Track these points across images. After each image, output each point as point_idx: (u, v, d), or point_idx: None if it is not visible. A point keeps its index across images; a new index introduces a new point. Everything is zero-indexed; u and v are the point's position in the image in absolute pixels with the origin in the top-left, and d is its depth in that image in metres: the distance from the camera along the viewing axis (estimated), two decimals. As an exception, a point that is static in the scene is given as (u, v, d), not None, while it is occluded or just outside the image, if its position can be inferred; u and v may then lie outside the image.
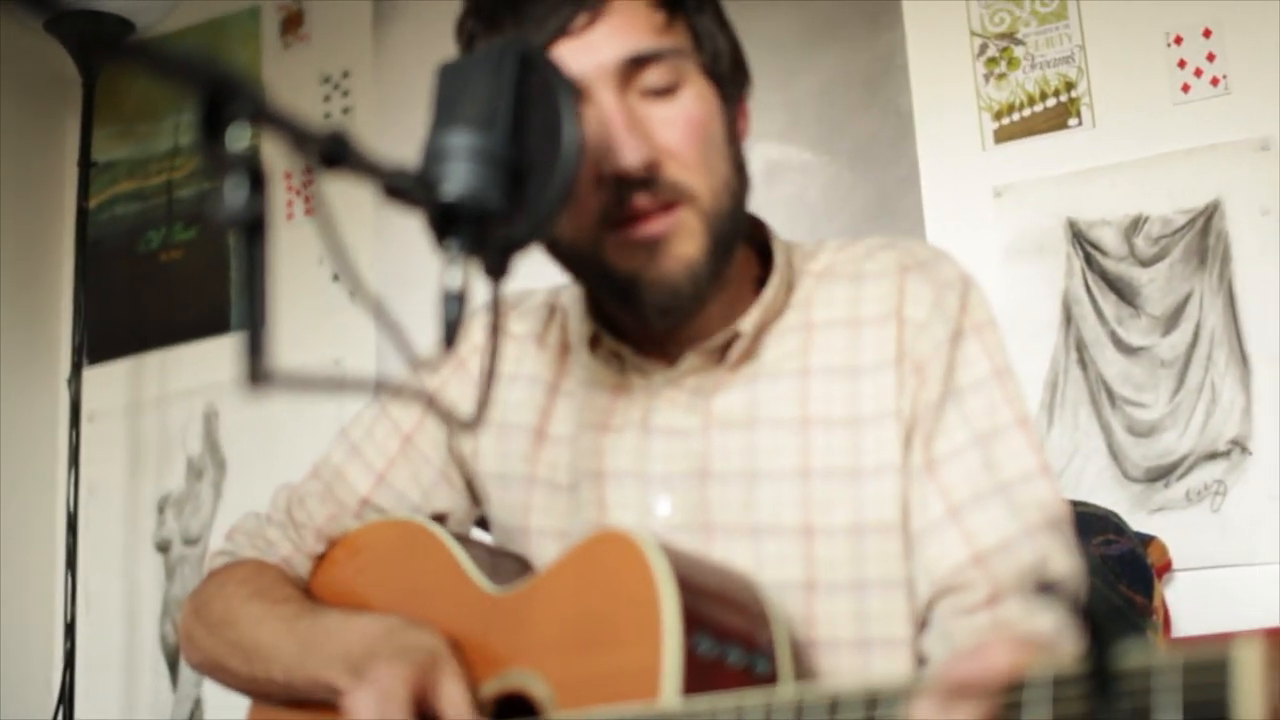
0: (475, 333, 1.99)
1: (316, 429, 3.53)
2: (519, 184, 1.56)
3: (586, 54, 1.64)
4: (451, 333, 1.51)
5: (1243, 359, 2.70)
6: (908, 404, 1.71)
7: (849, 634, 1.69)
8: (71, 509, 3.65)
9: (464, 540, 1.89)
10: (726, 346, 1.75)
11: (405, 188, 1.44)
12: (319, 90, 3.89)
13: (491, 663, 1.72)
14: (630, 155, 1.62)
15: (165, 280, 4.06)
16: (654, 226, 1.65)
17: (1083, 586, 1.03)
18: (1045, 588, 1.00)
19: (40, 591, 4.01)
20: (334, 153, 1.33)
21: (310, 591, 1.97)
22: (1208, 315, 2.75)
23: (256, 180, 1.20)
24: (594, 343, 1.84)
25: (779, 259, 1.80)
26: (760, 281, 1.80)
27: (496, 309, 1.60)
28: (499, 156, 1.53)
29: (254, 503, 3.55)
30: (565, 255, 1.75)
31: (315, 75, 3.92)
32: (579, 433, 1.85)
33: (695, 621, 1.52)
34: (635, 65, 1.65)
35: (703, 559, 1.67)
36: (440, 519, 1.97)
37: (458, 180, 1.51)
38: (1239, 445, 2.68)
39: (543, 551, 1.87)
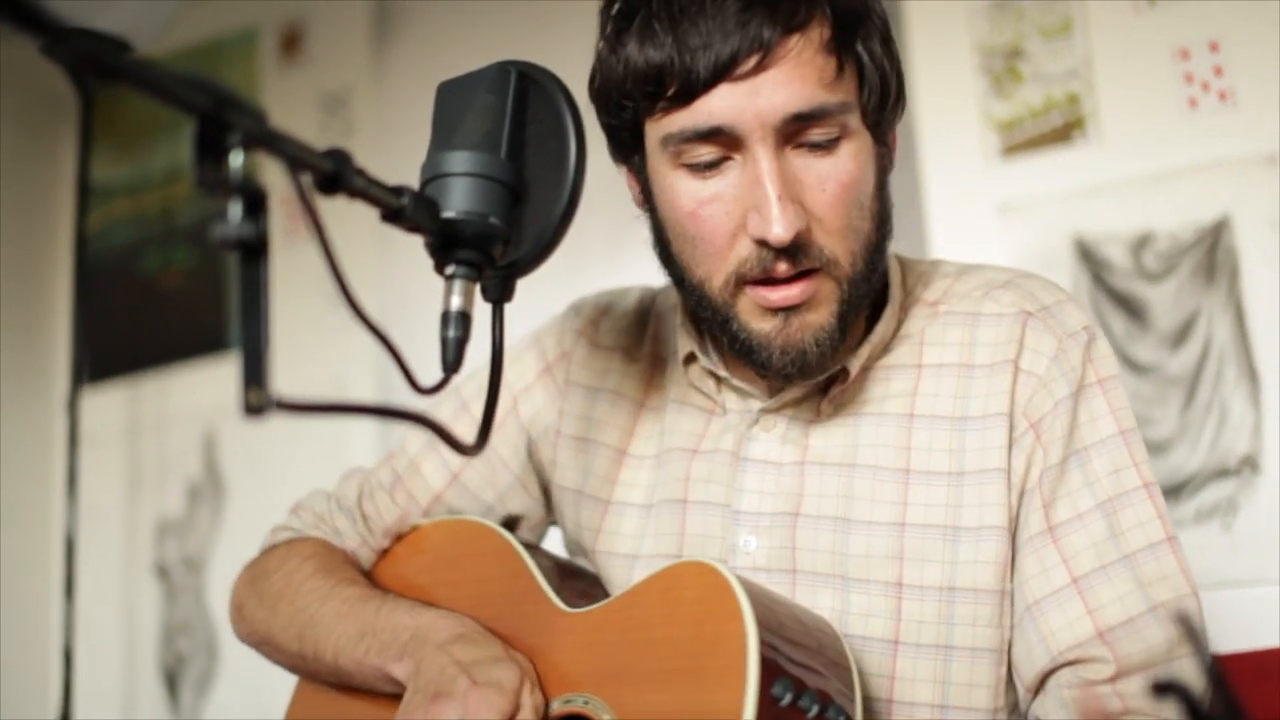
0: (564, 338, 1.97)
1: (318, 451, 3.51)
2: (520, 205, 1.53)
3: (749, 102, 1.55)
4: (454, 355, 1.49)
5: (1252, 375, 2.67)
6: (1021, 464, 1.66)
7: (928, 697, 1.66)
8: (70, 533, 3.62)
9: (535, 550, 1.87)
10: (830, 380, 1.72)
11: (404, 211, 1.41)
12: (318, 111, 3.87)
13: (556, 683, 1.69)
14: (780, 229, 1.55)
15: (163, 302, 4.04)
16: (791, 292, 1.61)
17: (1202, 688, 1.00)
18: (1164, 689, 0.97)
19: (37, 618, 3.98)
20: (333, 176, 1.31)
21: (373, 581, 1.94)
22: (1217, 331, 2.72)
23: (256, 203, 1.18)
24: (689, 360, 1.81)
25: (894, 289, 1.76)
26: (873, 306, 1.75)
27: (498, 338, 1.57)
28: (500, 178, 1.51)
29: (254, 527, 3.52)
30: (690, 293, 1.70)
31: (314, 96, 3.90)
32: (664, 455, 1.82)
33: (776, 667, 1.49)
34: (798, 121, 1.57)
35: (786, 602, 1.63)
36: (513, 523, 1.97)
37: (458, 201, 1.49)
38: (1249, 463, 2.65)
39: (610, 574, 1.85)
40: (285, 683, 1.97)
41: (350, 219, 1.97)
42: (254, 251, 1.19)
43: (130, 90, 1.11)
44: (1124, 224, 2.83)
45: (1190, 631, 1.00)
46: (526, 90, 1.56)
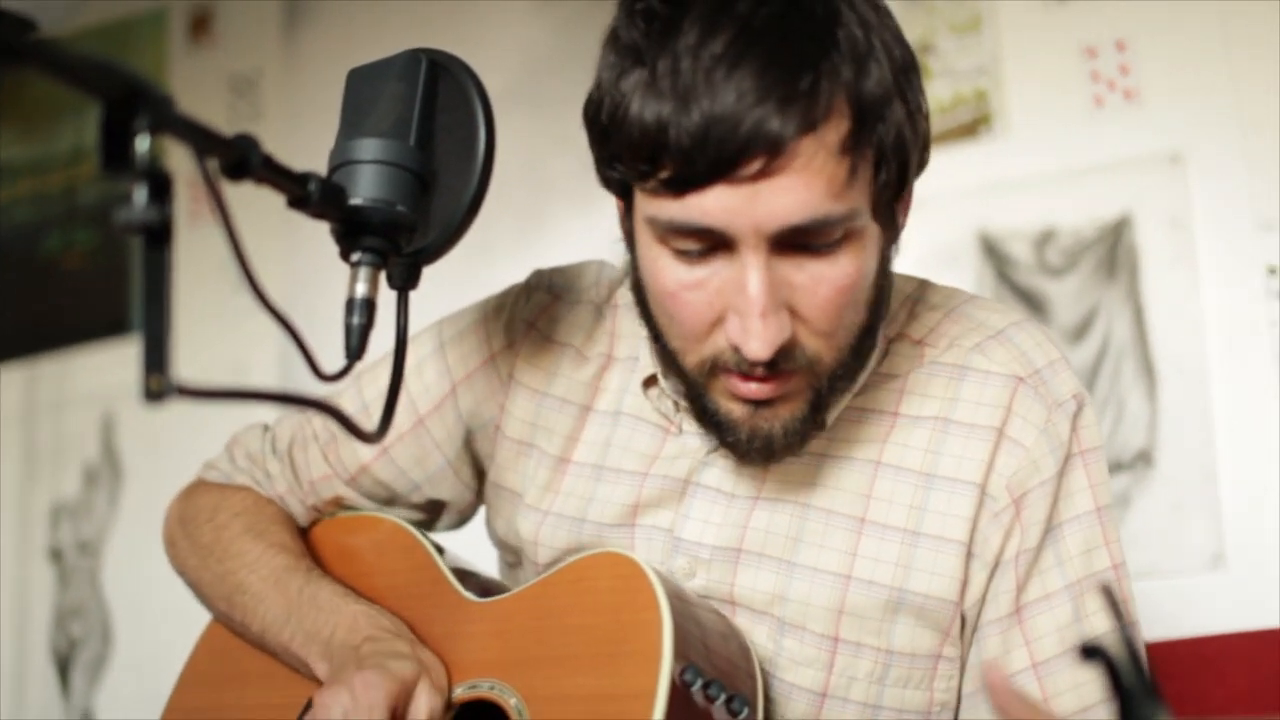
0: (513, 327, 1.88)
1: (217, 436, 3.48)
2: (428, 193, 1.53)
3: (746, 207, 1.39)
4: (358, 341, 1.48)
5: (1149, 371, 2.72)
6: (997, 538, 1.60)
7: None
8: (-35, 516, 3.60)
9: (443, 551, 1.87)
10: None
11: (310, 197, 1.40)
12: (227, 93, 3.83)
13: (463, 670, 1.70)
14: (758, 347, 1.44)
15: (64, 283, 3.99)
16: (764, 388, 1.51)
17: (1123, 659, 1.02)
18: (1090, 653, 1.00)
19: (-71, 599, 3.94)
20: (240, 161, 1.30)
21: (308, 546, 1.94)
22: (1116, 327, 2.76)
23: (161, 188, 1.16)
24: (649, 382, 1.74)
25: (879, 329, 1.63)
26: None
27: (403, 325, 1.56)
28: (408, 165, 1.50)
29: (152, 511, 3.47)
30: (664, 350, 1.60)
31: (223, 78, 3.85)
32: (609, 470, 1.76)
33: (688, 655, 1.51)
34: (797, 232, 1.42)
35: (697, 599, 1.64)
36: (437, 508, 1.95)
37: (366, 188, 1.48)
38: (1144, 457, 2.70)
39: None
40: (178, 667, 1.98)
41: (257, 204, 1.95)
42: (158, 237, 1.18)
43: (33, 71, 1.10)
44: (1028, 220, 2.86)
45: (1112, 604, 1.03)
46: (437, 78, 1.55)
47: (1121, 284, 2.77)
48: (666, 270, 1.49)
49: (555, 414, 1.80)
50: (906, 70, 1.45)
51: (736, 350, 1.45)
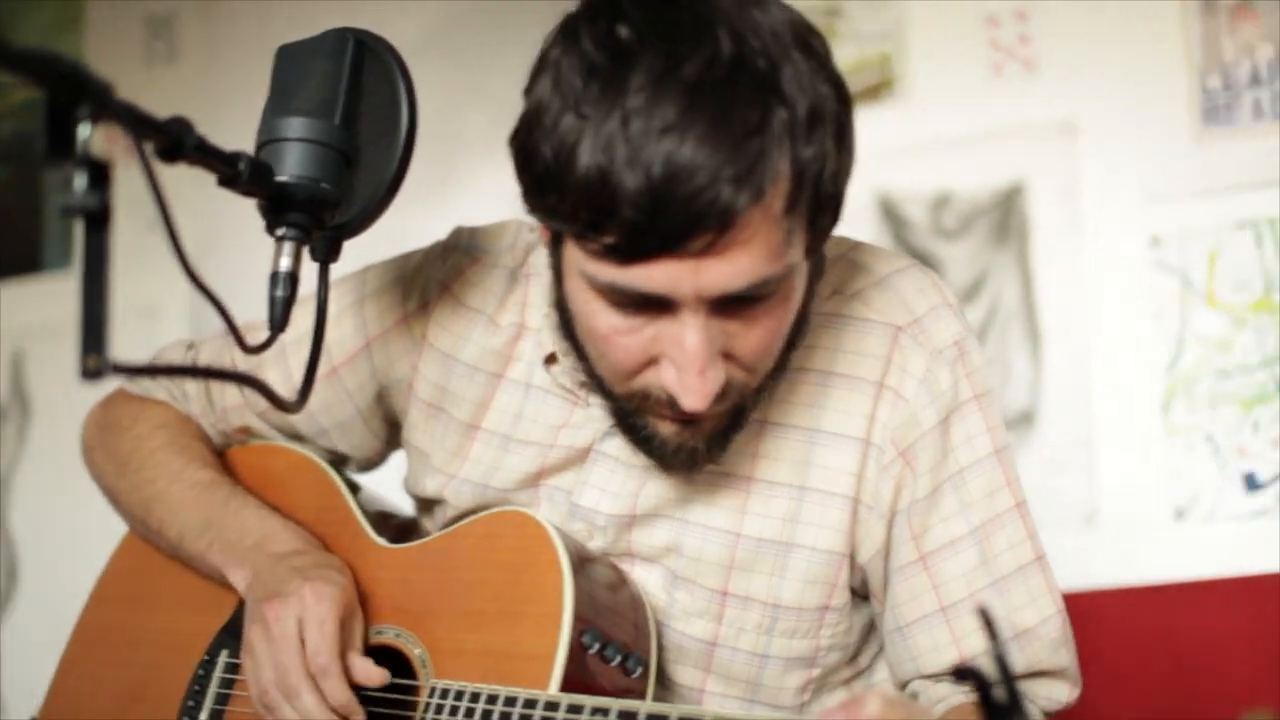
0: (428, 288, 1.88)
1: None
2: (351, 169, 1.58)
3: (689, 277, 1.40)
4: (281, 314, 1.55)
5: (1035, 335, 2.83)
6: (889, 490, 1.66)
7: (738, 691, 1.73)
8: None
9: (355, 489, 1.93)
10: None
11: (240, 177, 1.46)
12: (143, 34, 3.78)
13: (368, 615, 1.75)
14: (694, 401, 1.46)
15: (-27, 219, 3.96)
16: (692, 415, 1.52)
17: (997, 678, 1.10)
18: (963, 674, 1.08)
19: None
20: (175, 144, 1.36)
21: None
22: (1005, 291, 2.87)
23: (100, 175, 1.22)
24: (550, 360, 1.75)
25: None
26: None
27: (323, 297, 1.61)
28: (333, 144, 1.56)
29: (60, 450, 3.52)
30: (588, 370, 1.61)
31: (140, 20, 3.80)
32: (516, 441, 1.79)
33: (587, 619, 1.59)
34: (738, 294, 1.43)
35: (598, 559, 1.70)
36: (341, 460, 1.98)
37: (292, 166, 1.54)
38: (1026, 418, 2.81)
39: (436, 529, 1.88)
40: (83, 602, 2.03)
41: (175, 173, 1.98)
42: (97, 221, 1.24)
43: None
44: (925, 184, 2.96)
45: (989, 626, 1.12)
46: (363, 58, 1.59)
47: (1012, 249, 2.87)
48: (599, 315, 1.49)
49: (465, 380, 1.83)
50: (840, 115, 1.45)
51: (670, 394, 1.48)
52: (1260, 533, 2.62)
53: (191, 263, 1.36)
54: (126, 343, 3.45)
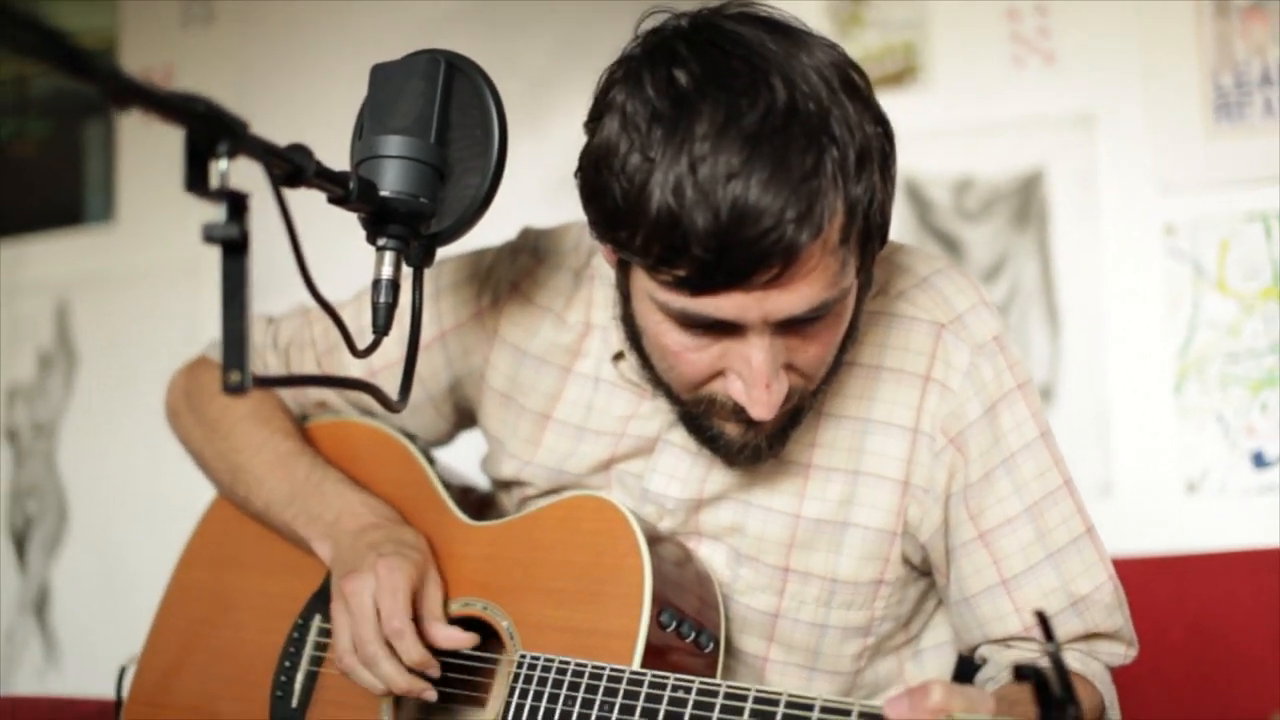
0: (500, 286, 2.01)
1: (171, 326, 3.63)
2: (444, 182, 1.70)
3: (756, 306, 1.53)
4: (384, 318, 1.67)
5: (1053, 315, 2.96)
6: (943, 475, 1.79)
7: (798, 659, 1.88)
8: (-79, 397, 3.70)
9: (435, 463, 2.03)
10: None
11: (351, 196, 1.58)
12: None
13: (454, 587, 1.87)
14: (762, 413, 1.60)
15: (17, 172, 4.04)
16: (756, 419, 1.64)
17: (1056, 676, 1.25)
18: (1022, 673, 1.23)
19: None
20: (297, 171, 1.48)
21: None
22: (1025, 273, 2.99)
23: (238, 206, 1.34)
24: (617, 357, 1.89)
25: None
26: None
27: (418, 300, 1.73)
28: (429, 161, 1.67)
29: (107, 395, 3.63)
30: (654, 377, 1.74)
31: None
32: (589, 431, 1.92)
33: (664, 599, 1.72)
34: (800, 317, 1.56)
35: (671, 541, 1.83)
36: (409, 437, 2.08)
37: (392, 182, 1.66)
38: (1046, 392, 2.94)
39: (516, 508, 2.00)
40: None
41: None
42: (237, 249, 1.35)
43: (131, 106, 1.25)
44: (948, 168, 3.07)
45: (1045, 627, 1.27)
46: (453, 78, 1.71)
47: (1032, 233, 3.00)
48: (668, 334, 1.62)
49: (534, 373, 1.96)
50: (884, 149, 1.58)
51: (737, 404, 1.62)
52: (1267, 508, 2.76)
53: (311, 276, 1.48)
54: (170, 298, 3.60)
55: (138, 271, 3.72)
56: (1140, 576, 2.58)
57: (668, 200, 1.49)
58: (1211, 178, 2.87)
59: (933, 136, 3.09)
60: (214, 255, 3.63)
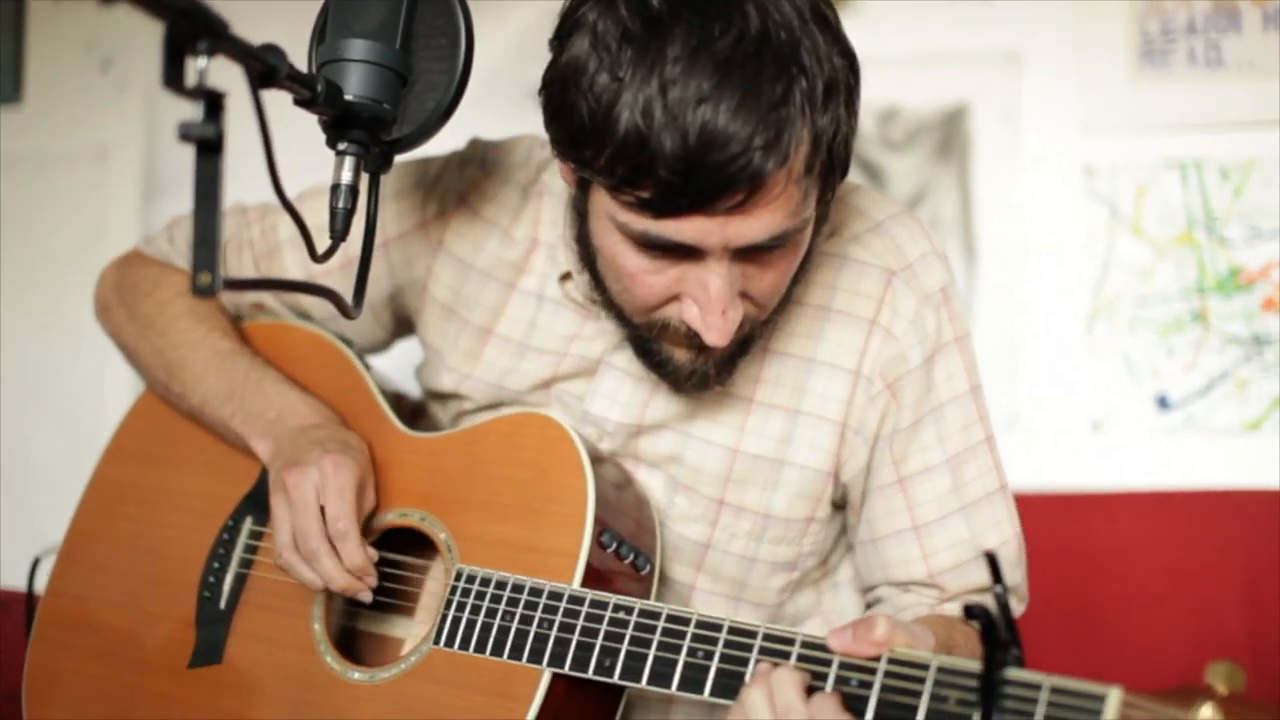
0: (446, 197, 2.00)
1: (79, 212, 3.55)
2: (406, 89, 1.69)
3: (718, 231, 1.54)
4: (343, 224, 1.66)
5: (970, 251, 3.00)
6: (875, 418, 1.81)
7: (725, 589, 1.89)
8: None
9: (370, 369, 2.02)
10: None
11: (318, 98, 1.57)
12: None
13: (392, 498, 1.87)
14: (716, 339, 1.61)
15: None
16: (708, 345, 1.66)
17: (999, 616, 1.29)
18: (971, 613, 1.26)
19: None
20: (270, 71, 1.46)
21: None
22: (945, 207, 3.02)
23: (215, 106, 1.32)
24: (564, 277, 1.88)
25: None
26: None
27: (373, 206, 1.72)
28: (393, 66, 1.66)
29: (11, 280, 3.53)
30: (606, 299, 1.74)
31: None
32: (530, 349, 1.92)
33: (605, 520, 1.73)
34: (759, 245, 1.58)
35: (612, 463, 1.84)
36: (345, 342, 2.07)
37: (355, 86, 1.64)
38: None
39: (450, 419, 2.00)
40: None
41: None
42: (211, 149, 1.33)
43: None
44: (875, 97, 3.06)
45: (994, 569, 1.31)
46: (421, -17, 1.69)
47: (954, 167, 3.02)
48: (626, 256, 1.63)
49: (479, 287, 1.96)
50: (850, 83, 1.59)
51: (691, 328, 1.64)
52: (1168, 450, 2.84)
53: (281, 180, 1.47)
54: (78, 183, 3.52)
55: (45, 155, 3.63)
56: (1042, 513, 2.65)
57: (636, 121, 1.49)
58: (1134, 122, 2.91)
59: (861, 64, 3.07)
60: (124, 141, 3.55)
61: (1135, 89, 2.91)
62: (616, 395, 1.87)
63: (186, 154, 1.52)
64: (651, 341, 1.72)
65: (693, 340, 1.67)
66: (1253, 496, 2.63)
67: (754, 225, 1.54)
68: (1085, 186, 2.92)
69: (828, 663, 1.46)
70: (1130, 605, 2.61)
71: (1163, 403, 2.86)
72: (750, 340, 1.73)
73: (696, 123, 1.46)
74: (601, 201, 1.62)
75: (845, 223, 1.87)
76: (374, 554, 1.79)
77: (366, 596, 1.80)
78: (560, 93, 1.59)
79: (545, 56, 1.64)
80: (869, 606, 1.94)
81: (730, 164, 1.47)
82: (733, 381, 1.81)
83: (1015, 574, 1.88)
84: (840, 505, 1.93)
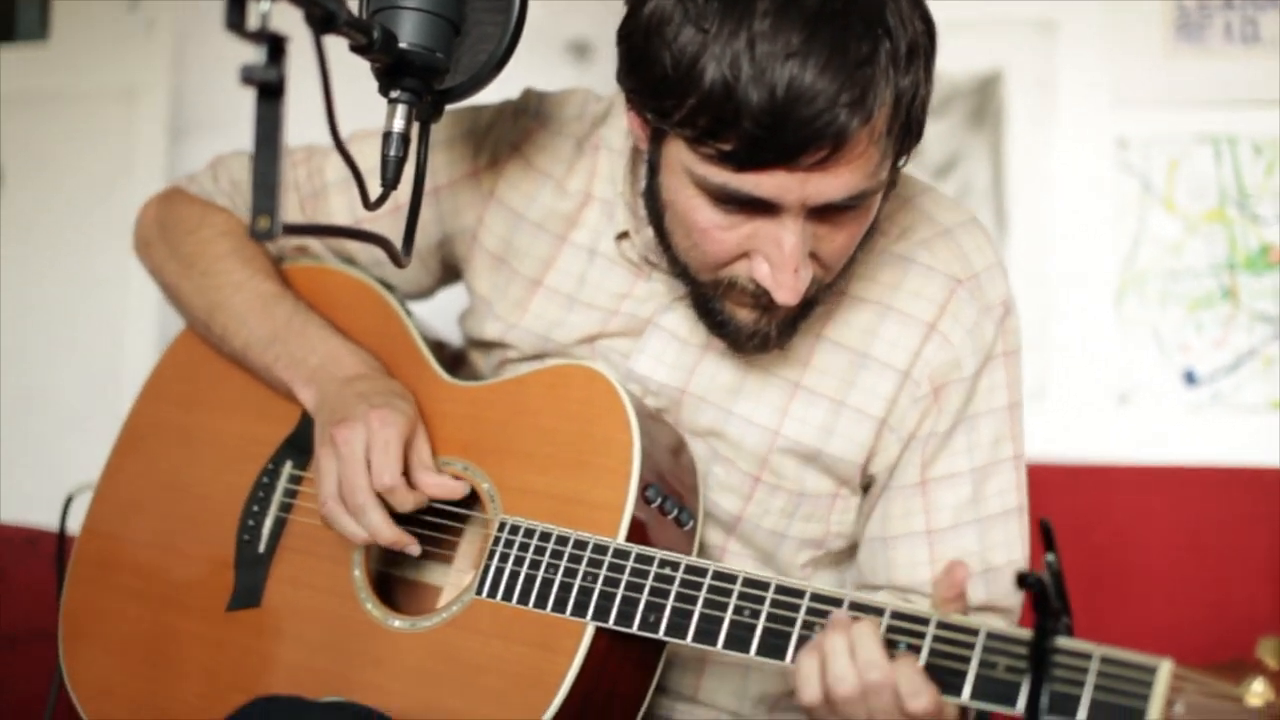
0: (500, 147, 1.99)
1: (103, 151, 3.55)
2: (459, 38, 1.68)
3: (798, 187, 1.55)
4: (394, 172, 1.65)
5: (1002, 217, 3.00)
6: (914, 418, 1.81)
7: (754, 555, 1.90)
8: None
9: (411, 315, 2.00)
10: None
11: (374, 45, 1.56)
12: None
13: (434, 444, 1.86)
14: (787, 297, 1.62)
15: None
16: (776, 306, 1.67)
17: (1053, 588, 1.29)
18: (1023, 580, 1.27)
19: None
20: (329, 16, 1.45)
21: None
22: (977, 174, 3.02)
23: (277, 49, 1.32)
24: (621, 236, 1.88)
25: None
26: None
27: (423, 155, 1.72)
28: (447, 15, 1.65)
29: (33, 217, 3.52)
30: (671, 257, 1.74)
31: None
32: (579, 303, 1.91)
33: (650, 474, 1.72)
34: (836, 204, 1.59)
35: (658, 418, 1.83)
36: (388, 288, 2.06)
37: (409, 34, 1.64)
38: (992, 298, 2.99)
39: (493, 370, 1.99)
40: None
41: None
42: (273, 92, 1.33)
43: None
44: (909, 62, 3.05)
45: (1046, 537, 1.32)
46: (477, -67, 1.68)
47: (986, 134, 3.02)
48: (699, 210, 1.63)
49: (530, 238, 1.95)
50: (928, 48, 1.60)
51: (759, 287, 1.64)
52: (1194, 426, 2.85)
53: (338, 124, 1.46)
54: (104, 122, 3.51)
55: (71, 92, 3.62)
56: (1067, 484, 2.65)
57: (723, 73, 1.50)
58: (1168, 96, 2.91)
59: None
60: (151, 80, 3.52)
61: (1170, 62, 2.91)
62: (662, 356, 1.87)
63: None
64: (715, 300, 1.73)
65: (759, 299, 1.68)
66: (1278, 474, 2.64)
67: (834, 183, 1.55)
68: (1118, 158, 2.92)
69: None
70: (1152, 579, 2.62)
71: (1190, 378, 2.86)
72: (813, 304, 1.74)
73: (784, 77, 1.48)
74: (678, 154, 1.63)
75: (914, 226, 1.87)
76: (424, 499, 1.79)
77: (415, 550, 1.80)
78: (642, 43, 1.60)
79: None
80: None
81: (816, 119, 1.48)
82: (783, 363, 1.82)
83: (1014, 598, 1.87)
84: (865, 487, 1.92)
